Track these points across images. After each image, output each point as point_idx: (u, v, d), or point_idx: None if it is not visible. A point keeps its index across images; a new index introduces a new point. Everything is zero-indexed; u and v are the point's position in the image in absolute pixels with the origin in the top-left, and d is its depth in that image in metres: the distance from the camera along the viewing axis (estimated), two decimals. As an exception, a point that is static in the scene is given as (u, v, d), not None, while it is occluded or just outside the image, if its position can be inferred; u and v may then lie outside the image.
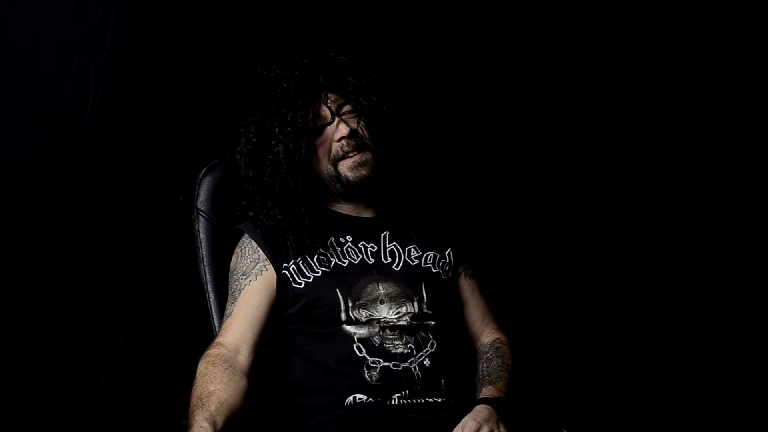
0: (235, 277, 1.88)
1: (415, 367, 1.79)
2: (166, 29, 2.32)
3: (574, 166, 2.72)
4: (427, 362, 1.81)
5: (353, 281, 1.85)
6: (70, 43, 2.22)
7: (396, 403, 1.76)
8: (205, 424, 1.59)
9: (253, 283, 1.85)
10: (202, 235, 1.97)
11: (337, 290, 1.83)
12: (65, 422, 2.27)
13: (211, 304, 1.95)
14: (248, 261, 1.88)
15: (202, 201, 1.98)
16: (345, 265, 1.87)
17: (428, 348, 1.82)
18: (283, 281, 1.85)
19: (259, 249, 1.88)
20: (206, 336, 1.91)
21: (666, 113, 2.54)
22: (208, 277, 1.96)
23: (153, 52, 2.31)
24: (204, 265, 1.96)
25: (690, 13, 2.43)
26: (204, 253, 1.96)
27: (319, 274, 1.86)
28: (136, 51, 2.29)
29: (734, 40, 2.36)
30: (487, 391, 1.80)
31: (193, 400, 1.66)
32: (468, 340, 1.99)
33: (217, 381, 1.68)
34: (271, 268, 1.87)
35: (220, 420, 1.61)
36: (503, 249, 2.57)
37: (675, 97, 2.52)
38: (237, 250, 1.93)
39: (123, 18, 2.26)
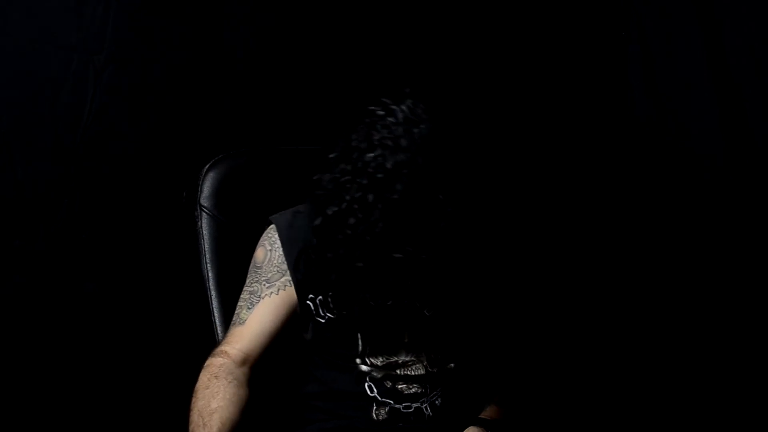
0: (256, 276, 1.80)
1: (426, 407, 1.77)
2: (165, 29, 2.32)
3: (575, 167, 2.72)
4: (438, 401, 1.78)
5: (377, 324, 1.77)
6: (69, 43, 2.21)
7: None
8: None
9: (274, 296, 1.77)
10: (204, 232, 1.95)
11: (359, 335, 1.77)
12: (66, 425, 2.27)
13: (213, 302, 1.93)
14: (275, 269, 1.79)
15: (205, 197, 1.96)
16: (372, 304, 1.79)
17: (445, 389, 1.79)
18: (304, 308, 1.78)
19: (286, 263, 1.79)
20: (208, 335, 1.90)
21: (666, 113, 2.54)
22: (210, 274, 1.93)
23: (152, 52, 2.31)
24: (206, 263, 1.93)
25: (690, 13, 2.42)
26: (206, 250, 1.94)
27: (346, 313, 1.77)
28: (135, 51, 2.29)
29: (734, 40, 2.36)
30: (489, 411, 1.78)
31: (194, 416, 1.61)
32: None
33: (220, 397, 1.62)
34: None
35: None
36: (504, 249, 2.56)
37: (675, 97, 2.52)
38: (266, 244, 1.82)
39: (122, 18, 2.25)
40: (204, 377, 1.67)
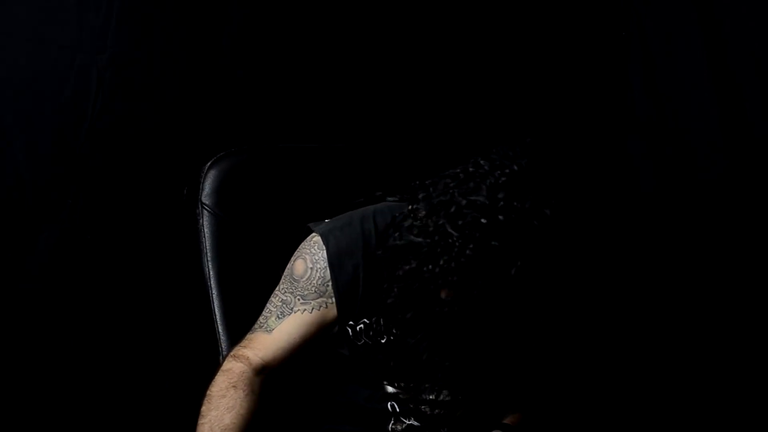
0: (292, 288, 1.70)
1: (443, 428, 1.75)
2: (167, 27, 2.32)
3: (575, 168, 2.72)
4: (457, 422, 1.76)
5: (415, 357, 1.71)
6: (71, 42, 2.21)
7: None
8: None
9: (307, 314, 1.68)
10: (206, 230, 1.94)
11: (392, 362, 1.72)
12: (67, 425, 2.27)
13: (214, 300, 1.92)
14: (313, 288, 1.69)
15: (206, 195, 1.95)
16: None
17: (465, 410, 1.77)
18: (342, 330, 1.71)
19: (329, 284, 1.68)
20: (209, 332, 1.90)
21: (666, 113, 2.55)
22: (211, 272, 1.92)
23: (154, 51, 2.31)
24: (207, 260, 1.92)
25: (690, 13, 2.43)
26: (208, 247, 1.93)
27: (384, 341, 1.71)
28: (137, 50, 2.29)
29: (734, 40, 2.36)
30: (511, 417, 1.77)
31: (204, 427, 1.56)
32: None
33: (235, 413, 1.57)
34: (334, 308, 1.69)
35: None
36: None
37: (675, 97, 2.52)
38: (308, 260, 1.71)
39: (124, 17, 2.25)
40: (222, 383, 1.60)
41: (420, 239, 1.55)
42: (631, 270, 2.67)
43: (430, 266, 1.53)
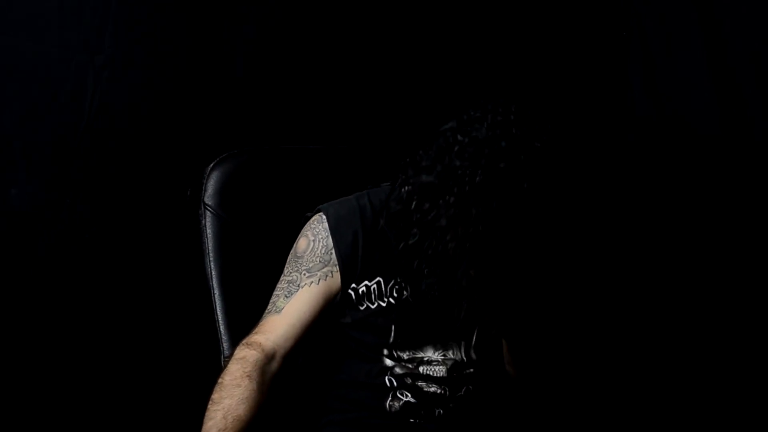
0: (296, 266, 1.75)
1: (438, 409, 1.76)
2: (166, 28, 2.32)
3: (576, 167, 2.72)
4: (452, 404, 1.77)
5: (412, 317, 1.75)
6: (69, 43, 2.21)
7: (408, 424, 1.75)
8: None
9: (314, 286, 1.72)
10: (208, 231, 1.94)
11: (393, 325, 1.75)
12: (67, 425, 2.27)
13: (216, 300, 1.92)
14: (317, 259, 1.74)
15: (209, 195, 1.95)
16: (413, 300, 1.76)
17: (461, 393, 1.77)
18: (345, 297, 1.75)
19: (332, 252, 1.74)
20: (210, 333, 1.90)
21: (666, 113, 2.55)
22: (213, 273, 1.92)
23: (154, 51, 2.31)
24: (210, 261, 1.93)
25: (690, 13, 2.44)
26: (210, 248, 1.93)
27: (385, 304, 1.75)
28: (136, 50, 2.28)
29: (734, 40, 2.37)
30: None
31: (217, 413, 1.54)
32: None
33: (248, 405, 1.56)
34: (338, 275, 1.74)
35: None
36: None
37: (675, 97, 2.53)
38: (309, 235, 1.77)
39: (122, 18, 2.25)
40: (236, 372, 1.60)
41: (431, 178, 1.63)
42: (631, 268, 2.68)
43: (446, 197, 1.60)
